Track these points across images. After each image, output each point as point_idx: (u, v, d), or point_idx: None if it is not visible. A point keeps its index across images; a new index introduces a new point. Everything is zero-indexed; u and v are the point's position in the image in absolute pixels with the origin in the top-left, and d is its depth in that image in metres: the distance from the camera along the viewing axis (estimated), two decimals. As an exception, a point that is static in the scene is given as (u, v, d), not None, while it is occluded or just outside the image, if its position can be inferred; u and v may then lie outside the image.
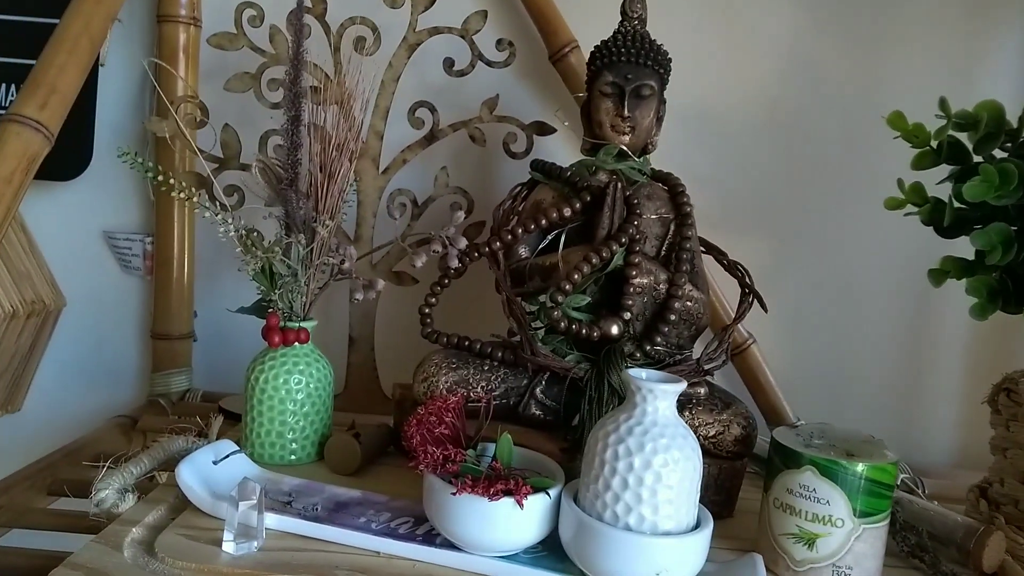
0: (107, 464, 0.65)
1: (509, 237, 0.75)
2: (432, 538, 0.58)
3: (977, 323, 0.67)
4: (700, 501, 0.55)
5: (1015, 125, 0.66)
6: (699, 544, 0.53)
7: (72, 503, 0.74)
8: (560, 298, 0.69)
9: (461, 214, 0.82)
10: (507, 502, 0.54)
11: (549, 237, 0.76)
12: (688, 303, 0.72)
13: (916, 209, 0.70)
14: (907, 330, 1.02)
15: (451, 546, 0.57)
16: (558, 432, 0.70)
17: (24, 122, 0.76)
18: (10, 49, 0.98)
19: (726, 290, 0.96)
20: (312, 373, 0.75)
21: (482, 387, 0.71)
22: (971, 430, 1.01)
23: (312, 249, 0.75)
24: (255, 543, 0.56)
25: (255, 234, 0.74)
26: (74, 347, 1.06)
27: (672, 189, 0.77)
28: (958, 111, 0.67)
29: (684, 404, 0.68)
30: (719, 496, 0.69)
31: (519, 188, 0.82)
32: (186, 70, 0.99)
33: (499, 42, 0.93)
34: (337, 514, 0.61)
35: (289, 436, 0.74)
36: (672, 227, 0.76)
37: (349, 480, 0.70)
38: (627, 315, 0.70)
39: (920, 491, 0.79)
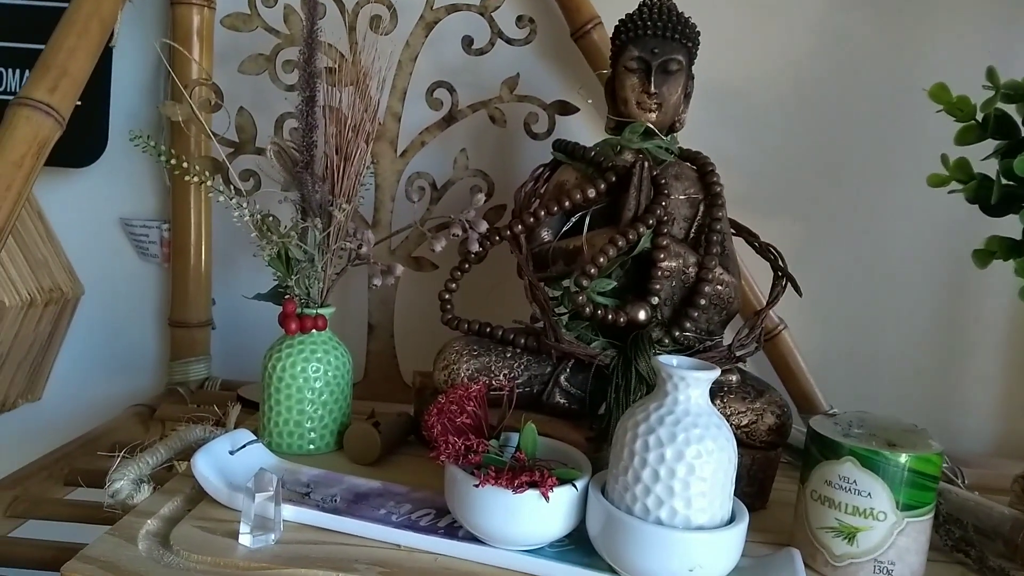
0: (122, 454, 0.64)
1: (531, 220, 0.73)
2: (454, 531, 0.56)
3: (1016, 304, 0.64)
4: (734, 493, 0.53)
5: (1067, 97, 0.63)
6: (734, 539, 0.51)
7: (89, 493, 0.73)
8: (585, 282, 0.67)
9: (481, 197, 0.81)
10: (532, 494, 0.52)
11: (573, 220, 0.73)
12: (719, 287, 0.70)
13: (961, 186, 0.67)
14: (943, 313, 0.98)
15: (474, 539, 0.55)
16: (583, 421, 0.68)
17: (34, 106, 0.75)
18: (22, 35, 0.97)
19: (756, 274, 0.93)
20: (330, 361, 0.73)
21: (504, 375, 0.69)
22: (1011, 417, 0.99)
23: (329, 234, 0.73)
24: (272, 536, 0.55)
25: (271, 219, 0.73)
26: (92, 335, 1.06)
27: (701, 168, 0.75)
28: (1007, 81, 0.64)
29: (715, 392, 0.66)
30: (752, 488, 0.66)
31: (541, 169, 0.80)
32: (200, 53, 0.97)
33: (519, 19, 0.90)
34: (356, 506, 0.60)
35: (307, 425, 0.72)
36: (701, 208, 0.73)
37: (369, 470, 0.69)
38: (655, 300, 0.68)
39: (960, 481, 0.77)
